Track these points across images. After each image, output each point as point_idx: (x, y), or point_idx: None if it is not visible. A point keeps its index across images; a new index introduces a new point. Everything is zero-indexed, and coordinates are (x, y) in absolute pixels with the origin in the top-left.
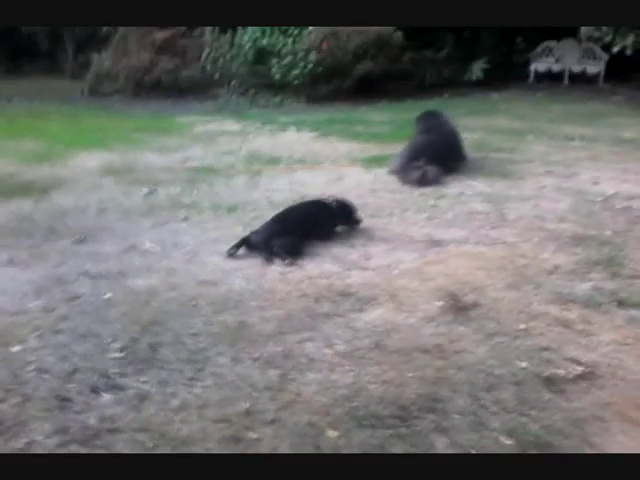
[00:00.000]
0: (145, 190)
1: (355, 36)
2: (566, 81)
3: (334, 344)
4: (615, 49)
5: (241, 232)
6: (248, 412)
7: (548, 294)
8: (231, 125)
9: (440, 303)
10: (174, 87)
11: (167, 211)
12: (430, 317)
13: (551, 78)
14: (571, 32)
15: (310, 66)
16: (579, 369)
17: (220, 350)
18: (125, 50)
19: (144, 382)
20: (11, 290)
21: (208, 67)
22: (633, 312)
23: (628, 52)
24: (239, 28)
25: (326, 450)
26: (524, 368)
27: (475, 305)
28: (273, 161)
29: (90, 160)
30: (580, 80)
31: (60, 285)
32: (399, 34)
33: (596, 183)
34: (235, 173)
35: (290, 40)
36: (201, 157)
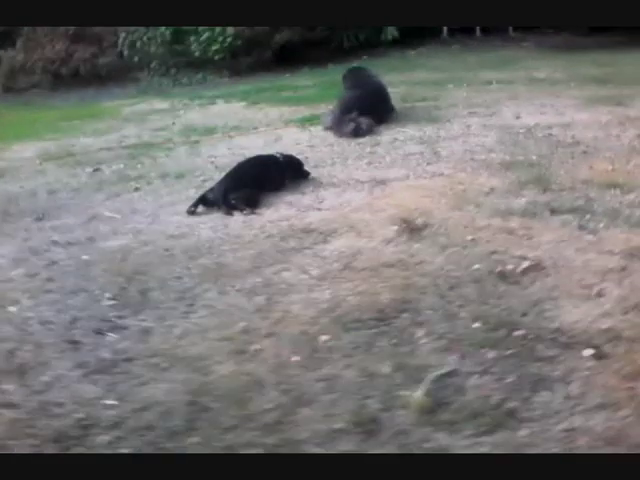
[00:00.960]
0: (89, 170)
1: None
2: (478, 32)
3: (308, 270)
4: None
5: (194, 194)
6: (245, 330)
7: (489, 210)
8: (159, 104)
9: (395, 227)
10: (93, 75)
11: (117, 185)
12: (388, 239)
13: (463, 31)
14: None
15: (229, 40)
16: (527, 263)
17: (205, 287)
18: (38, 42)
19: (143, 320)
20: None
21: (126, 52)
22: (565, 217)
23: None
24: None
25: (321, 352)
26: (478, 269)
27: (426, 225)
28: (208, 131)
29: (25, 150)
30: (491, 30)
31: (35, 255)
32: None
33: (517, 118)
34: (174, 145)
35: None
36: (136, 135)
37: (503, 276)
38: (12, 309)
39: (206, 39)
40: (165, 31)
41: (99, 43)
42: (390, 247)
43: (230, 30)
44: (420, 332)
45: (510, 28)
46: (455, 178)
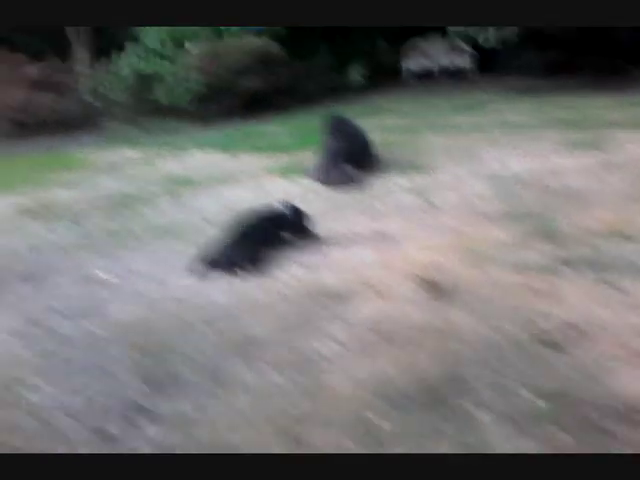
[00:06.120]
0: (69, 224)
1: (234, 52)
2: (437, 75)
3: (338, 339)
4: (480, 41)
5: (186, 251)
6: (295, 417)
7: (504, 265)
8: (129, 153)
9: (413, 286)
10: (56, 122)
11: (104, 242)
12: (410, 300)
13: (424, 74)
14: (436, 28)
15: (192, 86)
16: (566, 327)
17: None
18: None
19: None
20: None
21: (88, 98)
22: (583, 271)
23: (491, 45)
24: (113, 54)
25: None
26: (517, 335)
27: (445, 283)
28: (189, 182)
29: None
30: (451, 74)
31: (37, 327)
32: (277, 48)
33: (503, 164)
34: (156, 198)
35: (167, 62)
36: (113, 187)
37: (545, 342)
38: (33, 397)
39: (170, 85)
40: (127, 76)
41: (59, 89)
42: (415, 309)
43: (193, 75)
44: (480, 413)
45: (469, 72)
46: (459, 231)
